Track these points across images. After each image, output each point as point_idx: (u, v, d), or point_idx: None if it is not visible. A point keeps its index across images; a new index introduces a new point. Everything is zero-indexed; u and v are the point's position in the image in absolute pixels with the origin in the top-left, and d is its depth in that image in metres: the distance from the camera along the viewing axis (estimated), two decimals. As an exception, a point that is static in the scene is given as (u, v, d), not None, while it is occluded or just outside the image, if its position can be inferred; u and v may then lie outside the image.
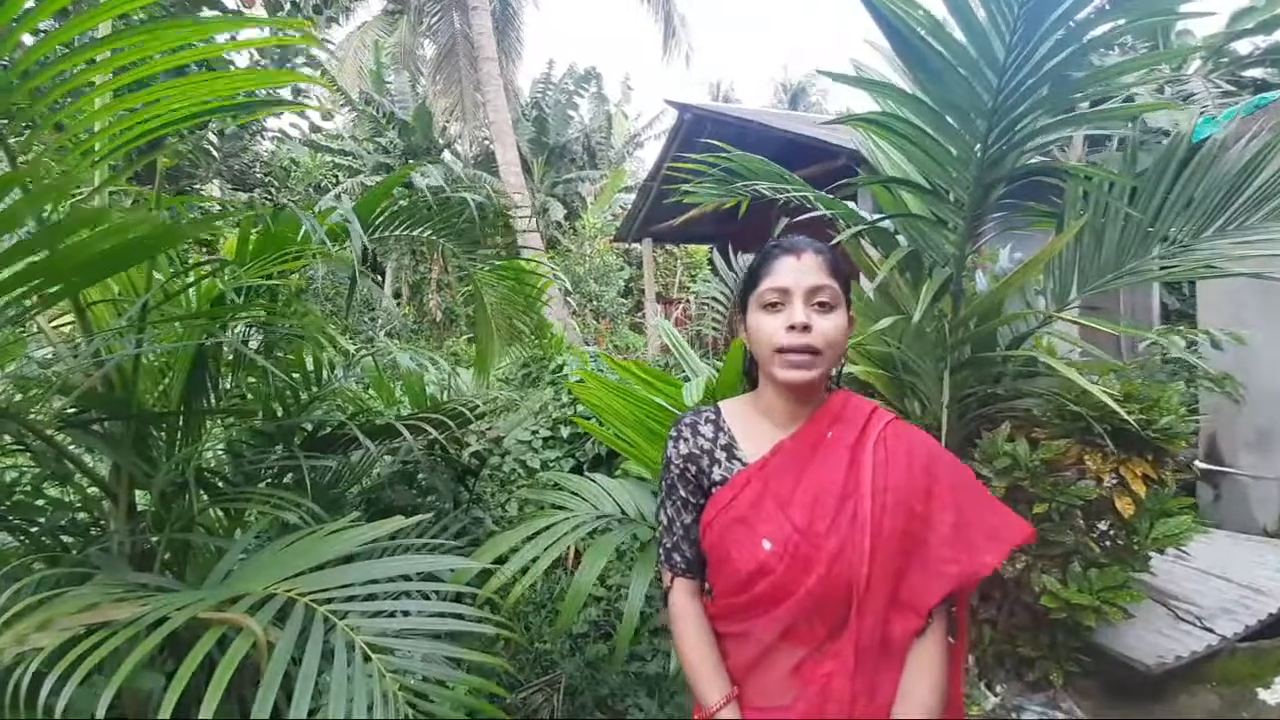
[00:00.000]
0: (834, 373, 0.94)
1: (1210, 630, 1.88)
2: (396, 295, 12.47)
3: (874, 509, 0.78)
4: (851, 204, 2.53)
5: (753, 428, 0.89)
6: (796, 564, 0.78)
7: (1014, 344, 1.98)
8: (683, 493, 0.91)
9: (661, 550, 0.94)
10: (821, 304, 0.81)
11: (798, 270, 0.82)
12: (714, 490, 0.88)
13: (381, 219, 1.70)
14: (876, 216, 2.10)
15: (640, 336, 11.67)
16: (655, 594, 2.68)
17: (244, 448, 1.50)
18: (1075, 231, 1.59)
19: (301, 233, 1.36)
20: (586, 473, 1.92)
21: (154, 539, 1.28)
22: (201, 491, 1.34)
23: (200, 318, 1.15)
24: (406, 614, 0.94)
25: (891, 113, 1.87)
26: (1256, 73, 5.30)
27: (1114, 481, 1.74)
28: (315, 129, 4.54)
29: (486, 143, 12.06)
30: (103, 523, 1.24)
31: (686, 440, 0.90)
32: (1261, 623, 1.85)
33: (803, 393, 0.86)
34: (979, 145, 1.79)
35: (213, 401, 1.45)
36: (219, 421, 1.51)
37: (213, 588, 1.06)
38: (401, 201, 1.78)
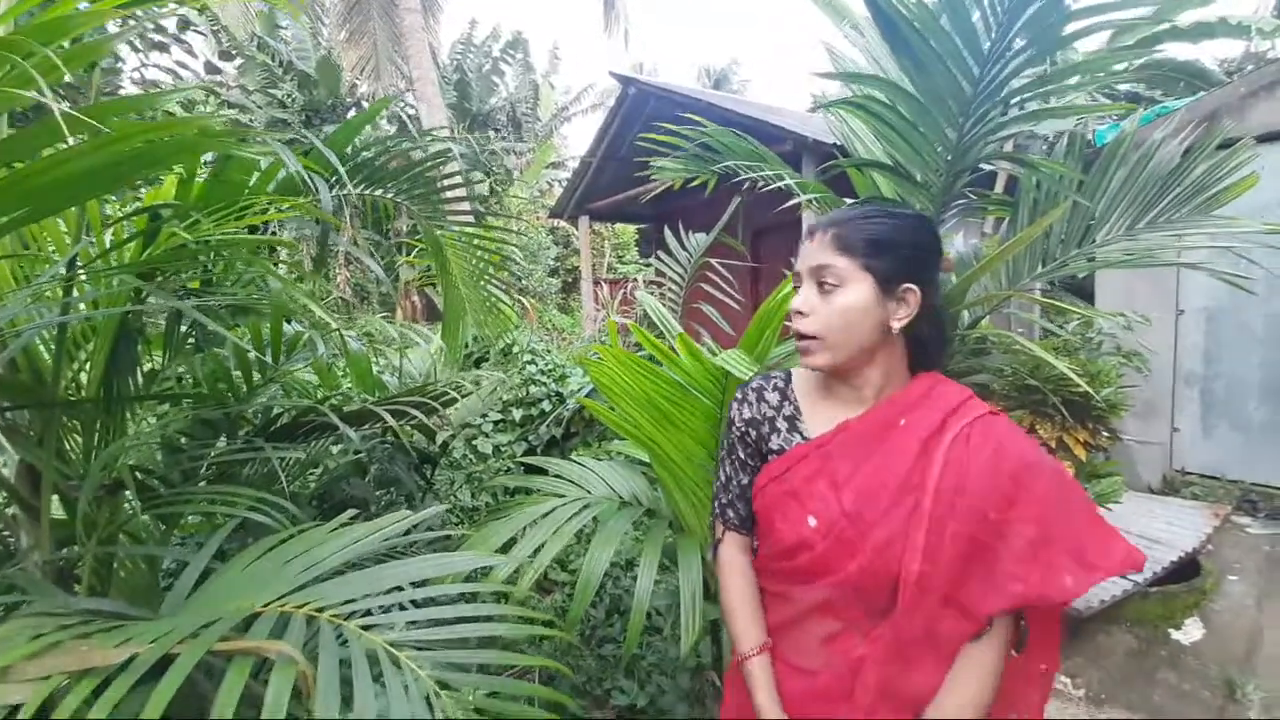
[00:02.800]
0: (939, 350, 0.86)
1: (1123, 576, 2.14)
2: (300, 267, 11.26)
3: (936, 508, 0.73)
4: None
5: (820, 403, 0.86)
6: (840, 546, 0.77)
7: (972, 325, 2.12)
8: (741, 454, 0.91)
9: (716, 505, 0.96)
10: (824, 285, 0.77)
11: (808, 252, 0.80)
12: (770, 458, 0.87)
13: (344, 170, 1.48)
14: (855, 201, 2.14)
15: (569, 317, 11.44)
16: (620, 574, 2.64)
17: (182, 440, 1.26)
18: (1054, 219, 1.71)
19: (255, 178, 1.15)
20: (571, 456, 1.83)
21: (64, 554, 1.05)
22: (129, 494, 1.11)
23: (159, 272, 0.92)
24: (436, 623, 0.82)
25: (874, 97, 1.90)
26: (1125, 86, 6.03)
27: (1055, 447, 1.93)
28: (213, 69, 3.87)
29: (401, 104, 11.12)
30: (8, 536, 0.99)
31: (750, 405, 0.89)
32: (1166, 569, 2.14)
33: (843, 375, 0.82)
34: (954, 133, 1.86)
35: (140, 385, 1.20)
36: (148, 410, 1.25)
37: (181, 609, 0.88)
38: (365, 153, 1.56)
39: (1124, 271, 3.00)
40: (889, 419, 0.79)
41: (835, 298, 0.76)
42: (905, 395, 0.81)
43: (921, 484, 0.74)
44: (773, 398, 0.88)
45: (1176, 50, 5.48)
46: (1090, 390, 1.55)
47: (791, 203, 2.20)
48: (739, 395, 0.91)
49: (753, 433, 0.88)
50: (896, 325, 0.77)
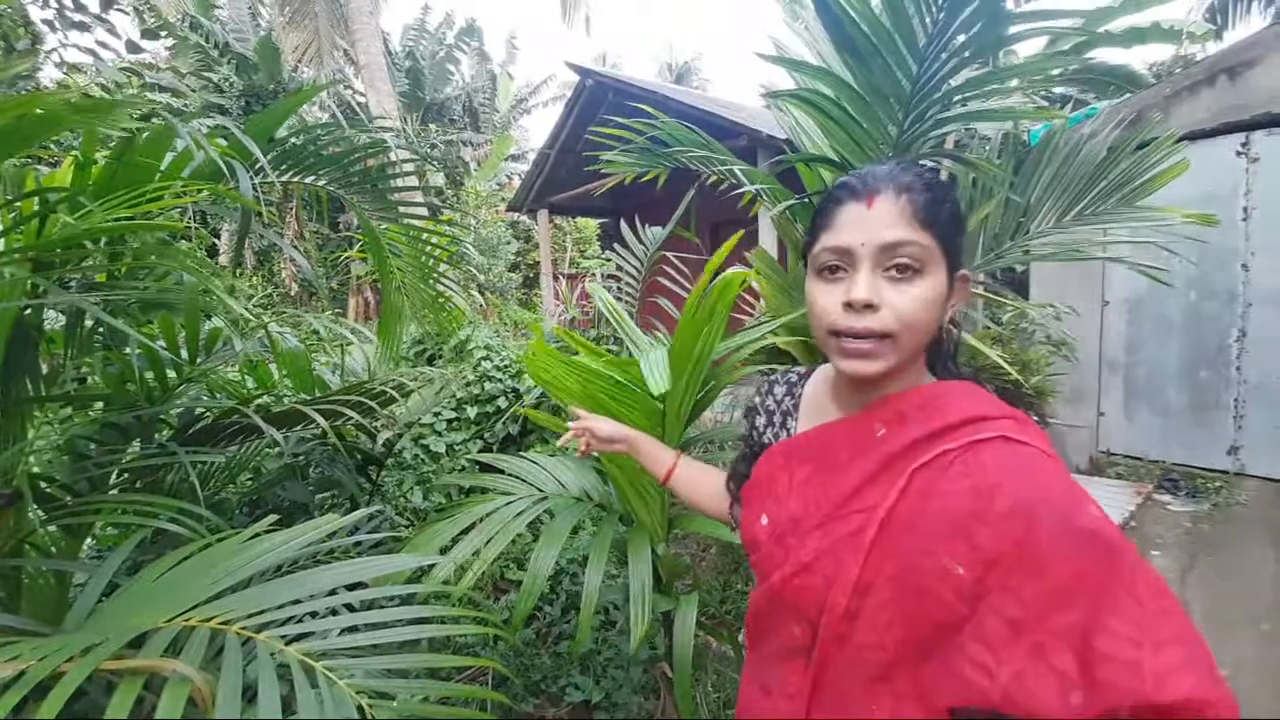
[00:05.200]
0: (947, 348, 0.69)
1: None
2: (238, 265, 10.71)
3: (881, 542, 0.58)
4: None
5: (819, 401, 0.77)
6: (778, 551, 0.69)
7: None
8: (745, 442, 0.89)
9: None
10: (899, 268, 0.59)
11: (866, 223, 0.60)
12: (759, 447, 0.85)
13: (269, 158, 1.40)
14: (802, 195, 2.17)
15: (530, 312, 11.29)
16: (578, 570, 2.63)
17: (88, 445, 1.17)
18: (985, 212, 1.77)
19: (167, 162, 1.07)
20: (520, 453, 1.79)
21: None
22: (35, 505, 1.03)
23: (56, 263, 0.84)
24: (354, 629, 0.79)
25: (819, 92, 1.93)
26: (1059, 89, 6.34)
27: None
28: (135, 49, 3.58)
29: (349, 91, 10.69)
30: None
31: (760, 395, 0.86)
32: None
33: (872, 382, 0.67)
34: (895, 129, 1.91)
35: (40, 387, 1.11)
36: (49, 413, 1.16)
37: (84, 625, 0.82)
38: (293, 139, 1.48)
39: (1056, 265, 3.15)
40: (865, 425, 0.66)
41: (912, 287, 0.59)
42: (896, 401, 0.65)
43: (873, 507, 0.59)
44: (779, 391, 0.84)
45: (1109, 55, 5.79)
46: (1020, 379, 1.62)
47: (738, 191, 2.22)
48: (757, 386, 0.89)
49: (748, 421, 0.86)
50: (947, 318, 0.63)
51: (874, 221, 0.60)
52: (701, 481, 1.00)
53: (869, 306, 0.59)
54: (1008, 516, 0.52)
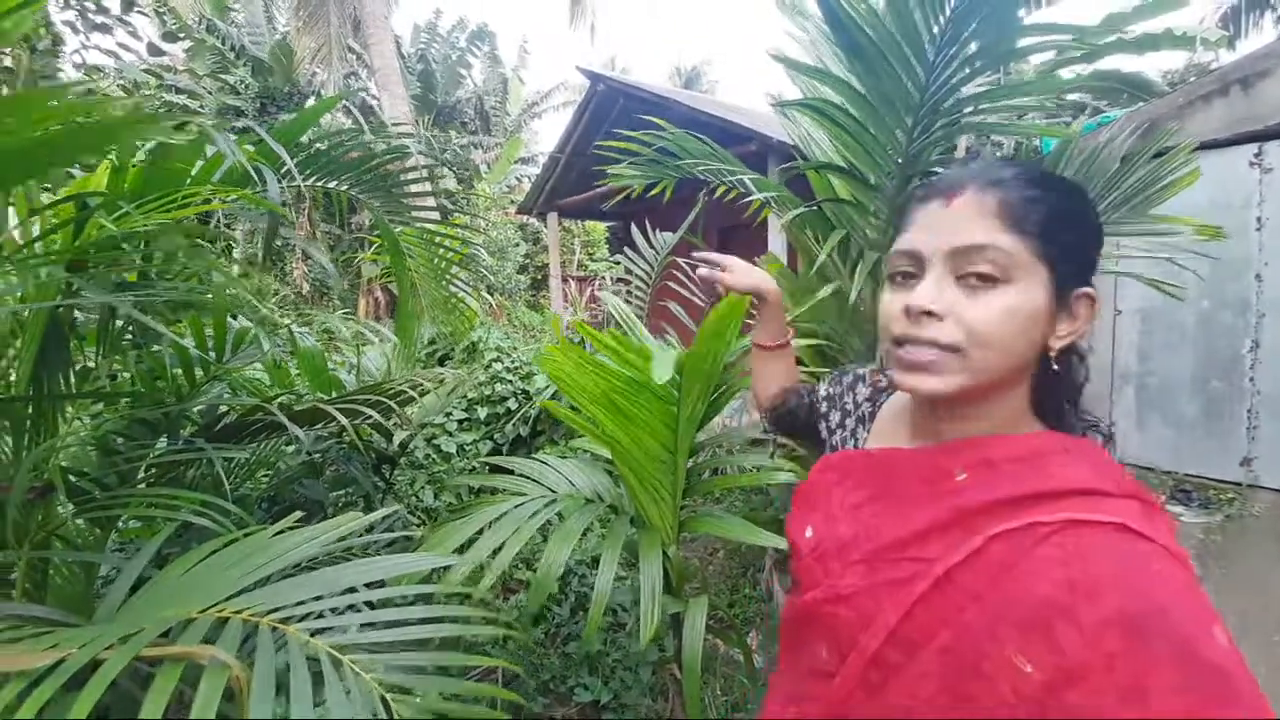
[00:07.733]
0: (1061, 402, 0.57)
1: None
2: (251, 263, 10.88)
3: (934, 599, 0.50)
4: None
5: (895, 420, 0.69)
6: (817, 568, 0.63)
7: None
8: (817, 399, 0.83)
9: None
10: (979, 276, 0.51)
11: (942, 223, 0.53)
12: (824, 448, 0.80)
13: (294, 162, 1.43)
14: (811, 203, 2.19)
15: (538, 314, 11.35)
16: (586, 571, 2.64)
17: (117, 440, 1.20)
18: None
19: (198, 167, 1.11)
20: (531, 455, 1.82)
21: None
22: (65, 498, 1.06)
23: (91, 264, 0.88)
24: (391, 624, 0.81)
25: (828, 100, 1.95)
26: (1073, 96, 6.32)
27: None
28: (156, 51, 3.65)
29: (362, 94, 10.82)
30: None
31: (834, 383, 0.80)
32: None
33: (945, 406, 0.57)
34: (904, 137, 1.92)
35: (73, 383, 1.15)
36: (82, 409, 1.19)
37: (114, 616, 0.85)
38: (316, 145, 1.52)
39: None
40: (944, 465, 0.56)
41: (995, 296, 0.51)
42: (986, 446, 0.55)
43: (931, 561, 0.51)
44: (862, 392, 0.76)
45: (1123, 62, 5.77)
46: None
47: (748, 199, 2.24)
48: (839, 372, 0.82)
49: (823, 406, 0.80)
50: (1058, 345, 0.53)
51: (951, 222, 0.52)
52: (779, 374, 0.94)
53: (929, 314, 0.52)
54: (1106, 625, 0.42)
